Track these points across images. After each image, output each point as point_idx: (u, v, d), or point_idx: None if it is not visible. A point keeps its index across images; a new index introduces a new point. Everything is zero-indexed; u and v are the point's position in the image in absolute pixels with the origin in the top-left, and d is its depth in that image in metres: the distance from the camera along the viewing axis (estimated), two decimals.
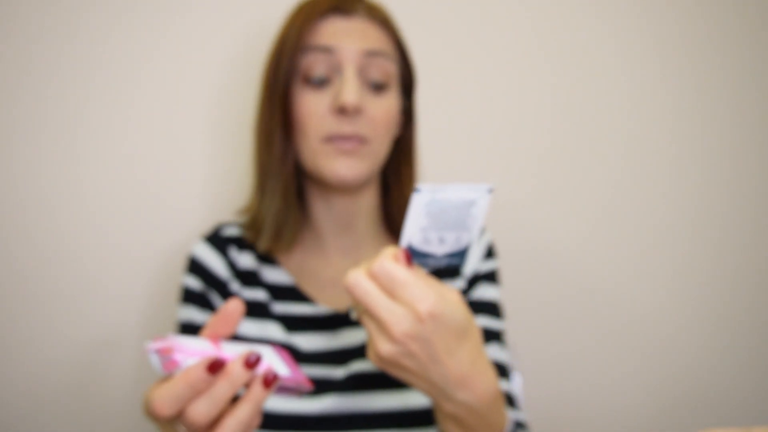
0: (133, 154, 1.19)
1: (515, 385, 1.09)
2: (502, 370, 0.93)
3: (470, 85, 1.26)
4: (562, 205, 1.29)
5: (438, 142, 1.21)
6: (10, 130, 1.15)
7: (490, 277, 1.01)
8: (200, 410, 0.58)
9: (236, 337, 0.94)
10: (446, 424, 0.72)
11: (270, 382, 0.61)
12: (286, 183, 0.96)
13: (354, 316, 0.92)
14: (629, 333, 1.30)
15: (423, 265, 0.68)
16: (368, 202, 1.01)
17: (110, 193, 1.18)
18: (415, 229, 0.66)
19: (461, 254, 0.69)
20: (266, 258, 1.00)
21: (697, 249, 1.31)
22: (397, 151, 1.02)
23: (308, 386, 0.68)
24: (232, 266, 0.99)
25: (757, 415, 1.29)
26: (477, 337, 0.68)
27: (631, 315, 1.30)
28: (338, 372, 0.92)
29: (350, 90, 0.89)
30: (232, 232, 1.02)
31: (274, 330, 0.94)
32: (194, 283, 0.97)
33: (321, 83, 0.92)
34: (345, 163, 0.92)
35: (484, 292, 1.00)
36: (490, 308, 0.99)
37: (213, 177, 1.21)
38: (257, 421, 0.62)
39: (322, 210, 0.99)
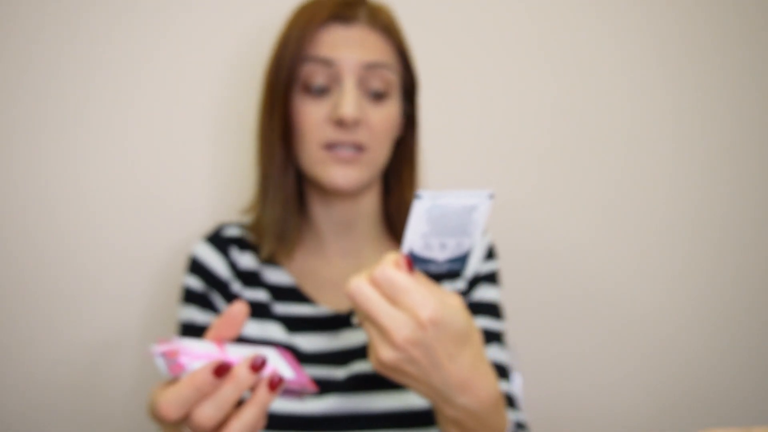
0: (134, 154, 1.18)
1: (515, 385, 1.10)
2: (502, 371, 0.94)
3: (471, 85, 1.26)
4: (562, 205, 1.29)
5: (438, 143, 1.21)
6: (10, 130, 1.15)
7: (491, 278, 1.01)
8: (206, 413, 0.58)
9: (238, 339, 0.94)
10: (447, 427, 0.72)
11: (275, 385, 0.61)
12: (287, 189, 0.97)
13: (356, 321, 0.92)
14: (629, 333, 1.30)
15: (424, 270, 0.68)
16: (369, 205, 1.01)
17: (110, 193, 1.18)
18: (416, 235, 0.66)
19: (462, 259, 0.69)
20: (267, 259, 1.00)
21: (697, 249, 1.31)
22: (399, 153, 1.02)
23: (312, 388, 0.68)
24: (233, 266, 0.99)
25: (757, 415, 1.30)
26: (478, 341, 0.68)
27: (631, 315, 1.30)
28: (339, 373, 0.92)
29: (349, 103, 0.89)
30: (233, 232, 1.02)
31: (275, 330, 0.94)
32: (195, 283, 0.97)
33: (320, 92, 0.92)
34: (342, 172, 0.92)
35: (484, 293, 1.00)
36: (491, 309, 0.99)
37: (213, 177, 1.21)
38: (262, 423, 0.62)
39: (323, 213, 1.00)
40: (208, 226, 1.18)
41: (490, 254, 1.03)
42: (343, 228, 1.00)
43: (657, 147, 1.30)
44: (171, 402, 0.58)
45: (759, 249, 1.32)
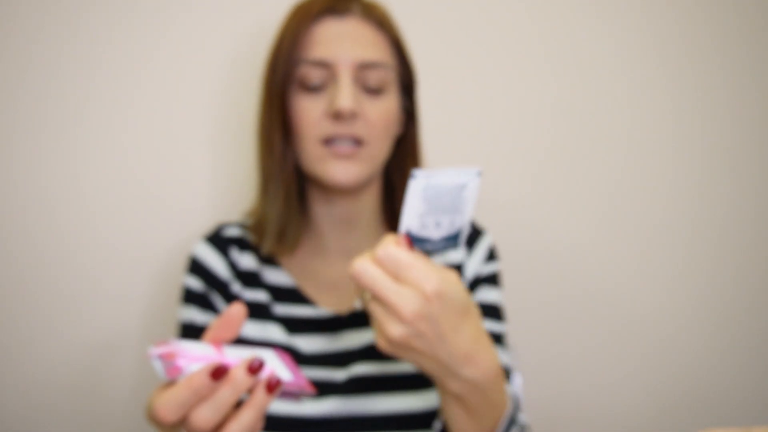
0: (134, 154, 1.18)
1: (516, 386, 1.09)
2: (505, 373, 0.94)
3: (471, 85, 1.26)
4: (562, 205, 1.29)
5: (438, 143, 1.21)
6: (10, 130, 1.15)
7: (492, 279, 1.01)
8: (204, 416, 0.58)
9: (237, 339, 0.94)
10: (450, 407, 0.73)
11: (273, 387, 0.61)
12: (288, 186, 0.96)
13: (359, 304, 0.92)
14: (629, 333, 1.30)
15: (422, 249, 0.70)
16: (370, 202, 1.00)
17: (111, 193, 1.18)
18: (413, 214, 0.68)
19: (456, 237, 0.72)
20: (267, 259, 1.00)
21: (697, 249, 1.31)
22: (401, 150, 1.01)
23: (310, 391, 0.68)
24: (233, 267, 0.99)
25: (757, 415, 1.30)
26: (477, 315, 0.71)
27: (631, 315, 1.30)
28: (339, 374, 0.92)
29: (345, 96, 0.89)
30: (233, 232, 1.02)
31: (275, 331, 0.94)
32: (195, 283, 0.97)
33: (317, 88, 0.92)
34: (342, 167, 0.92)
35: (485, 295, 1.00)
36: (492, 311, 0.99)
37: (214, 177, 1.21)
38: (260, 425, 0.62)
39: (324, 211, 0.99)
40: (208, 226, 1.18)
41: (491, 255, 1.03)
42: (344, 226, 1.00)
43: (657, 147, 1.30)
44: (168, 405, 0.58)
45: (759, 249, 1.31)
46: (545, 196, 1.28)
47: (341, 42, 0.91)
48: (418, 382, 0.92)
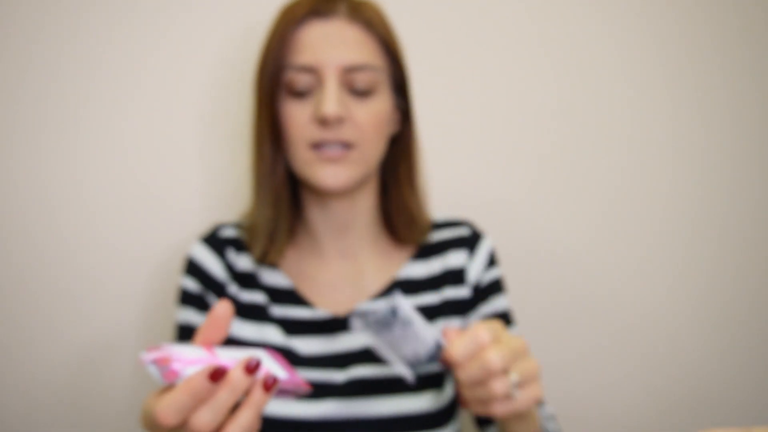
0: (133, 155, 1.18)
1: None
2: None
3: (470, 85, 1.26)
4: (562, 205, 1.28)
5: (438, 143, 1.21)
6: (10, 130, 1.15)
7: (497, 286, 1.01)
8: (204, 419, 0.58)
9: (235, 341, 0.94)
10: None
11: (270, 386, 0.61)
12: (277, 191, 0.96)
13: (359, 305, 0.96)
14: (629, 333, 1.30)
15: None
16: (365, 203, 1.00)
17: (109, 193, 1.18)
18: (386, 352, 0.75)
19: (433, 356, 0.74)
20: (260, 258, 0.99)
21: (697, 249, 1.31)
22: (395, 150, 1.00)
23: (306, 388, 0.68)
24: (230, 268, 0.99)
25: (757, 415, 1.30)
26: None
27: (632, 315, 1.30)
28: (338, 376, 0.92)
29: (330, 101, 0.88)
30: (230, 233, 1.01)
31: (272, 333, 0.94)
32: (192, 284, 0.97)
33: (304, 93, 0.91)
34: (331, 171, 0.91)
35: (496, 304, 1.00)
36: (504, 319, 0.99)
37: (212, 177, 1.21)
38: (258, 425, 0.62)
39: (318, 214, 0.99)
40: (205, 226, 1.18)
41: (492, 261, 1.03)
42: (339, 229, 0.99)
43: (657, 147, 1.29)
44: (168, 409, 0.57)
45: (759, 249, 1.31)
46: (545, 196, 1.28)
47: (326, 45, 0.90)
48: (417, 384, 0.92)
